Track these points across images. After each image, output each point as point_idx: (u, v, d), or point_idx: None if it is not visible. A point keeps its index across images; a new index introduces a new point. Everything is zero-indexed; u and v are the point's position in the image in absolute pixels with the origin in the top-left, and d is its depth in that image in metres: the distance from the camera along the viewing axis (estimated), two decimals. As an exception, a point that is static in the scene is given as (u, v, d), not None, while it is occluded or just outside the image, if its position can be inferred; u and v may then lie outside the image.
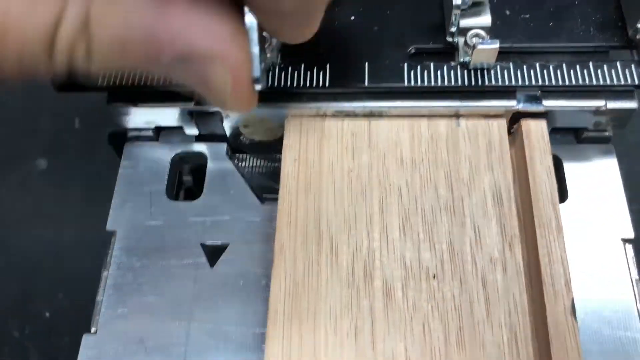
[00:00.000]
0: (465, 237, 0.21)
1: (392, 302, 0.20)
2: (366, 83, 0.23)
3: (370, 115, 0.24)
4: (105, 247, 0.45)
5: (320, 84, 0.23)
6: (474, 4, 0.22)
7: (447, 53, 0.24)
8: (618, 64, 0.23)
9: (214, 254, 0.24)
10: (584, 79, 0.23)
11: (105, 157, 0.44)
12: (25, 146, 0.44)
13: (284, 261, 0.21)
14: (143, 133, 0.26)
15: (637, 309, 0.22)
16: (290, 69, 0.24)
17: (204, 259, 0.23)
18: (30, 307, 0.40)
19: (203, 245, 0.24)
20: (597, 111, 0.23)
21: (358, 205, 0.22)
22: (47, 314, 0.40)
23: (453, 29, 0.23)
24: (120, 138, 0.27)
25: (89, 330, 0.23)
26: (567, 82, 0.23)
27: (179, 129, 0.26)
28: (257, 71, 0.18)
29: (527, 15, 0.24)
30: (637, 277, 0.22)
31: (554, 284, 0.20)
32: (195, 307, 0.22)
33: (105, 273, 0.24)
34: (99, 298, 0.23)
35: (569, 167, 0.25)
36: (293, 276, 0.21)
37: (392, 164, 0.23)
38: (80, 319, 0.39)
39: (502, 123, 0.24)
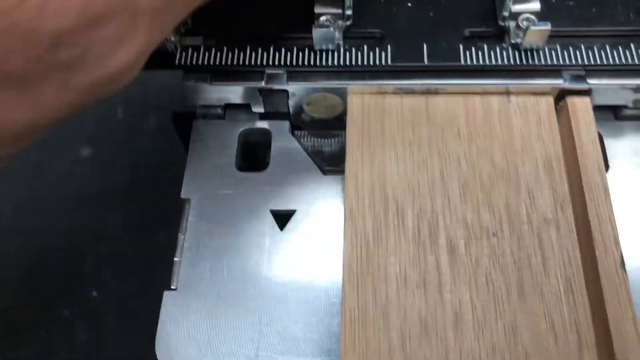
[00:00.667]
0: (521, 201, 0.23)
1: (456, 257, 0.22)
2: (425, 62, 0.25)
3: (428, 92, 0.26)
4: (147, 233, 0.47)
5: (383, 62, 0.25)
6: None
7: (499, 36, 0.26)
8: (655, 44, 0.25)
9: (282, 219, 0.26)
10: (626, 59, 0.25)
11: (149, 146, 0.46)
12: (70, 135, 0.46)
13: (354, 223, 0.23)
14: (211, 111, 0.28)
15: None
16: (353, 49, 0.26)
17: (273, 224, 0.25)
18: (78, 287, 0.42)
19: (272, 211, 0.26)
20: (637, 89, 0.25)
21: (420, 173, 0.24)
22: (94, 293, 0.41)
23: (506, 14, 0.25)
24: (184, 118, 0.29)
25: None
26: (609, 62, 0.25)
27: (243, 108, 0.28)
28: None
29: (571, 2, 0.26)
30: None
31: (604, 240, 0.22)
32: (269, 266, 0.24)
33: (181, 237, 0.25)
34: (176, 259, 0.25)
35: (609, 142, 0.27)
36: (364, 235, 0.23)
37: (450, 137, 0.25)
38: (127, 298, 0.41)
39: (550, 100, 0.26)
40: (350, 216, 0.23)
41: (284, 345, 0.23)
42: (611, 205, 0.23)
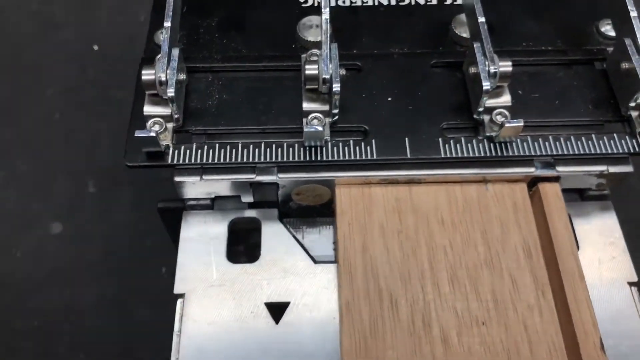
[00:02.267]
0: (505, 288, 0.25)
1: (450, 347, 0.23)
2: (408, 155, 0.27)
3: (411, 182, 0.27)
4: (124, 308, 0.46)
5: (368, 156, 0.27)
6: (497, 87, 0.27)
7: (474, 128, 0.28)
8: (615, 135, 0.27)
9: (277, 310, 0.26)
10: (589, 148, 0.27)
11: (121, 221, 0.46)
12: (40, 210, 0.46)
13: (351, 316, 0.24)
14: (201, 202, 0.29)
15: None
16: (340, 144, 0.27)
17: (269, 316, 0.26)
18: None
19: (266, 304, 0.26)
20: (600, 174, 0.28)
21: (410, 263, 0.25)
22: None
23: (480, 109, 0.27)
24: (171, 210, 0.30)
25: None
26: (575, 151, 0.27)
27: (230, 197, 0.29)
28: None
29: (537, 95, 0.29)
30: (645, 315, 0.26)
31: (584, 324, 0.24)
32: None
33: (176, 339, 0.26)
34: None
35: (577, 222, 0.29)
36: (361, 329, 0.24)
37: (435, 225, 0.26)
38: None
39: (523, 186, 0.28)
40: (347, 309, 0.24)
41: None
42: (587, 289, 0.25)
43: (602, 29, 0.31)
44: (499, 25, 0.31)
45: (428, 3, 0.32)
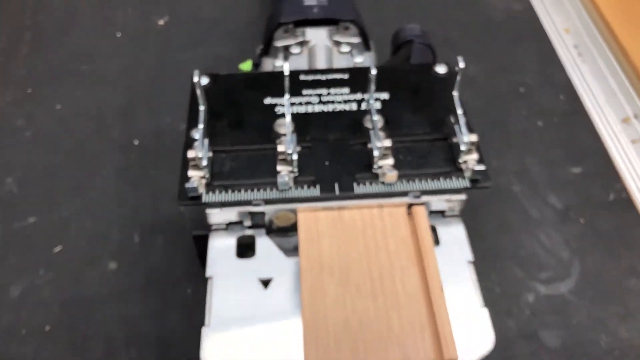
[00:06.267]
0: (393, 275, 0.45)
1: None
2: (337, 193, 0.47)
3: (341, 208, 0.48)
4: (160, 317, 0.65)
5: (316, 194, 0.47)
6: (384, 155, 0.48)
7: (374, 176, 0.48)
8: (454, 178, 0.48)
9: (266, 283, 0.46)
10: (440, 186, 0.48)
11: (160, 263, 0.64)
12: (99, 252, 0.65)
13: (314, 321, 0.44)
14: (220, 226, 0.49)
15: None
16: (299, 188, 0.48)
17: (261, 286, 0.46)
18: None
19: (260, 279, 0.46)
20: (448, 200, 0.48)
21: (346, 260, 0.45)
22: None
23: (376, 167, 0.48)
24: (200, 237, 0.50)
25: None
26: (433, 188, 0.48)
27: (238, 222, 0.49)
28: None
29: (410, 158, 0.50)
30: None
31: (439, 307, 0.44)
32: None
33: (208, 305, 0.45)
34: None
35: (439, 230, 0.49)
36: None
37: (355, 234, 0.47)
38: None
39: (404, 208, 0.48)
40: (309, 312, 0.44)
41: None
42: (438, 271, 0.44)
43: (452, 120, 0.53)
44: (391, 120, 0.53)
45: (350, 110, 0.54)
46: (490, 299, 0.61)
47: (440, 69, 0.56)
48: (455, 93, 0.47)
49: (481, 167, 0.46)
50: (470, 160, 0.47)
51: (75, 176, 0.70)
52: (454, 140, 0.48)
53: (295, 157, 0.44)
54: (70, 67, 0.82)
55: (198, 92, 0.49)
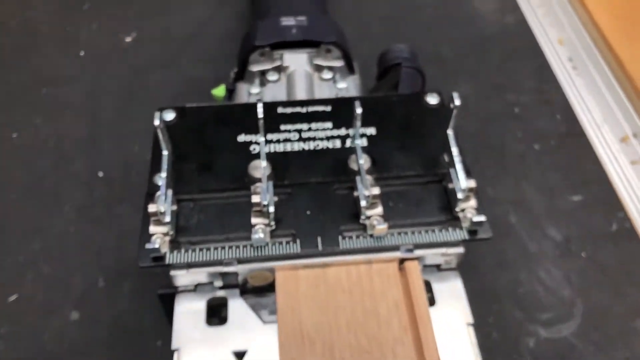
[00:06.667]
0: (381, 330, 0.39)
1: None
2: (320, 248, 0.42)
3: (324, 265, 0.42)
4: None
5: (296, 250, 0.42)
6: (372, 204, 0.42)
7: (363, 228, 0.43)
8: (450, 229, 0.43)
9: (240, 356, 0.40)
10: (435, 238, 0.43)
11: (126, 312, 0.59)
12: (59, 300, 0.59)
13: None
14: (187, 287, 0.43)
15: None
16: (277, 244, 0.42)
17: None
18: None
19: (233, 352, 0.40)
20: (443, 254, 0.43)
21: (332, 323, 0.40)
22: None
23: (363, 217, 0.43)
24: (167, 296, 0.44)
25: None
26: (426, 241, 0.43)
27: (208, 283, 0.44)
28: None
29: (401, 205, 0.45)
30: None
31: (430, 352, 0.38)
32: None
33: (174, 375, 0.39)
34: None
35: (435, 286, 0.44)
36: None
37: (340, 292, 0.41)
38: None
39: (395, 264, 0.43)
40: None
41: None
42: (432, 330, 0.39)
43: (447, 159, 0.47)
44: (379, 159, 0.47)
45: (334, 147, 0.48)
46: (488, 346, 0.56)
47: (432, 99, 0.51)
48: (450, 132, 0.42)
49: (480, 218, 0.41)
50: (469, 209, 0.42)
51: (32, 215, 0.64)
52: (450, 185, 0.43)
53: (271, 209, 0.38)
54: (28, 91, 0.75)
55: (160, 136, 0.43)
